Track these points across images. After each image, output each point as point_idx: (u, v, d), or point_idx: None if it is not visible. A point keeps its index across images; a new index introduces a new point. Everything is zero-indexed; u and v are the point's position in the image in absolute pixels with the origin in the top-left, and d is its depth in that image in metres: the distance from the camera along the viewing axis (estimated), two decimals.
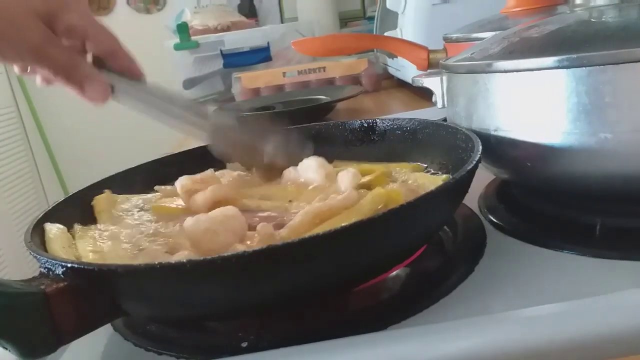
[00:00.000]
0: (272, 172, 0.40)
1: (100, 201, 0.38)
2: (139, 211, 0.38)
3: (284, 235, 0.28)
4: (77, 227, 0.35)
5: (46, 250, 0.30)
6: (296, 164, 0.39)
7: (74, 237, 0.33)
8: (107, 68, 0.39)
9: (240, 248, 0.28)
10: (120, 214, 0.37)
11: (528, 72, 0.31)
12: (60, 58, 0.36)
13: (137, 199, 0.39)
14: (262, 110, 0.93)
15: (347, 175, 0.34)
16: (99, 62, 0.39)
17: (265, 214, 0.34)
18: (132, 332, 0.30)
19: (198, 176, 0.37)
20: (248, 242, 0.29)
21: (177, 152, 0.47)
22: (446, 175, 0.37)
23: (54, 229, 0.32)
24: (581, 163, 0.31)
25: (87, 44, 0.38)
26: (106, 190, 0.39)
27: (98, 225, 0.36)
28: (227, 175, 0.40)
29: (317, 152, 0.45)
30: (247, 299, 0.25)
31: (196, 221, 0.29)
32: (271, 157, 0.40)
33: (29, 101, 2.00)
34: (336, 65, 1.11)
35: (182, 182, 0.37)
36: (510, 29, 0.41)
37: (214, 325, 0.30)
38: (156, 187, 0.41)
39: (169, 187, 0.40)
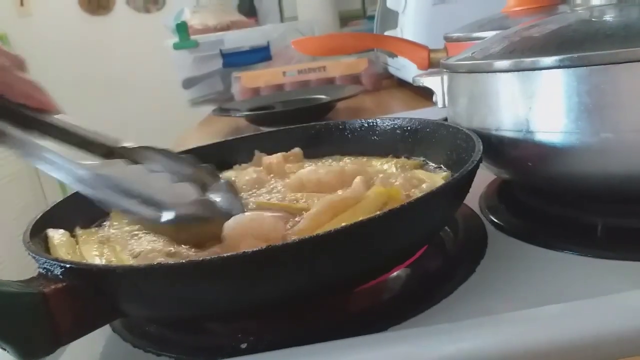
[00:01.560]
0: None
1: None
2: None
3: (303, 226, 0.29)
4: (80, 231, 0.35)
5: None
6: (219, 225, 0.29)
7: (77, 242, 0.33)
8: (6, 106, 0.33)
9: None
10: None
11: (529, 71, 0.31)
12: None
13: None
14: (261, 110, 0.92)
15: (362, 180, 0.34)
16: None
17: (275, 213, 0.33)
18: (131, 333, 0.30)
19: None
20: None
21: (176, 152, 0.47)
22: (446, 173, 0.36)
23: (57, 235, 0.32)
24: (582, 163, 0.31)
25: None
26: None
27: (101, 229, 0.36)
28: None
29: (317, 152, 0.45)
30: (247, 299, 0.25)
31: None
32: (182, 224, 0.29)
33: None
34: (336, 64, 1.11)
35: None
36: (510, 28, 0.41)
37: (214, 326, 0.30)
38: None
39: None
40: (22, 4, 2.14)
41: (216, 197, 0.31)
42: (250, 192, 0.38)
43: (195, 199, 0.30)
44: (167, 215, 0.29)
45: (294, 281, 0.25)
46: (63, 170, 0.31)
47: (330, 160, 0.44)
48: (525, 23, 0.40)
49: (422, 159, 0.40)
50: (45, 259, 0.25)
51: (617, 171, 0.30)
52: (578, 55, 0.29)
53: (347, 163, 0.42)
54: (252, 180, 0.39)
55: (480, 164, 0.31)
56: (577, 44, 0.31)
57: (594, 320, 0.23)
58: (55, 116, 0.34)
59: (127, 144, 0.33)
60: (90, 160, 0.31)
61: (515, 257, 0.31)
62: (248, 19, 1.55)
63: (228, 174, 0.44)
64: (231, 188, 0.32)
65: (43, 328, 0.23)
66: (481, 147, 0.32)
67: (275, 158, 0.43)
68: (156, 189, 0.30)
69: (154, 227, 0.31)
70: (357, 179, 0.33)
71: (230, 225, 0.29)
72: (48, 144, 0.32)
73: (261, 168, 0.42)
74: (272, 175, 0.41)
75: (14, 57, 0.35)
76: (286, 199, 0.35)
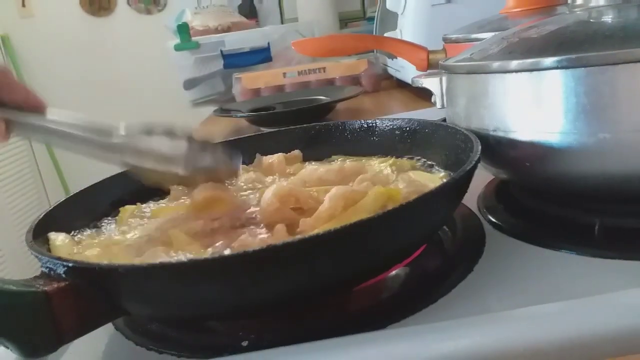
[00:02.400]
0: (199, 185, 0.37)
1: (127, 211, 0.38)
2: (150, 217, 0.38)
3: (323, 208, 0.30)
4: (82, 235, 0.35)
5: None
6: (225, 177, 0.37)
7: (80, 245, 0.33)
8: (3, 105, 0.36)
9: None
10: (133, 220, 0.37)
11: (527, 72, 0.31)
12: None
13: (153, 204, 0.40)
14: (262, 111, 0.93)
15: (367, 185, 0.34)
16: None
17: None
18: (133, 331, 0.30)
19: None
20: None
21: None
22: (445, 173, 0.37)
23: (59, 238, 0.32)
24: (580, 163, 0.31)
25: None
26: (132, 206, 0.40)
27: (103, 232, 0.36)
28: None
29: (317, 152, 0.46)
30: (247, 299, 0.25)
31: None
32: (194, 174, 0.36)
33: None
34: (336, 65, 1.11)
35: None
36: (509, 29, 0.41)
37: (215, 325, 0.30)
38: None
39: (180, 187, 0.41)
40: (23, 5, 2.15)
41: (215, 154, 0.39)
42: (252, 190, 0.38)
43: (206, 155, 0.37)
44: (186, 168, 0.36)
45: (294, 280, 0.25)
46: (88, 148, 0.36)
47: (331, 162, 0.44)
48: (524, 24, 0.40)
49: (421, 159, 0.41)
50: (48, 258, 0.25)
51: (615, 171, 0.30)
52: (576, 56, 0.29)
53: (347, 161, 0.43)
54: (251, 179, 0.40)
55: (479, 164, 0.31)
56: (575, 45, 0.31)
57: (592, 319, 0.23)
58: (50, 114, 0.37)
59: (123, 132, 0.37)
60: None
61: (513, 256, 0.31)
62: (249, 20, 1.55)
63: None
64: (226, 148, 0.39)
65: (46, 326, 0.24)
66: (479, 147, 0.32)
67: (277, 158, 0.43)
68: (175, 151, 0.37)
69: (173, 179, 0.37)
70: (366, 183, 0.33)
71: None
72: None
73: (261, 166, 0.43)
74: (274, 176, 0.41)
75: (3, 64, 0.38)
76: None
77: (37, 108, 0.36)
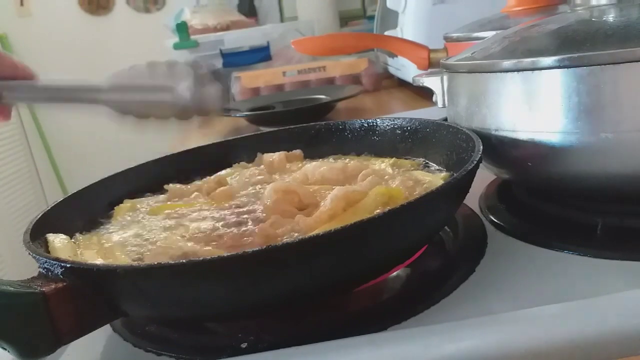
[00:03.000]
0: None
1: (122, 209, 0.38)
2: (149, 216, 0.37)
3: (324, 208, 0.30)
4: (80, 236, 0.34)
5: None
6: (209, 107, 0.37)
7: (78, 247, 0.33)
8: None
9: None
10: (130, 217, 0.37)
11: (529, 71, 0.31)
12: None
13: (152, 201, 0.39)
14: (261, 110, 0.92)
15: (370, 180, 0.34)
16: None
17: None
18: (132, 332, 0.30)
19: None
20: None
21: (176, 152, 0.47)
22: (446, 173, 0.37)
23: (58, 239, 0.32)
24: (582, 163, 0.31)
25: None
26: (129, 201, 0.39)
27: (101, 232, 0.36)
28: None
29: (317, 152, 0.45)
30: (247, 299, 0.25)
31: None
32: (182, 105, 0.37)
33: None
34: (336, 64, 1.11)
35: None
36: (511, 28, 0.41)
37: (214, 326, 0.30)
38: (166, 186, 0.41)
39: (178, 186, 0.40)
40: (22, 4, 2.14)
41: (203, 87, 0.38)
42: (256, 187, 0.38)
43: (191, 85, 0.37)
44: (176, 97, 0.36)
45: (294, 281, 0.25)
46: (78, 98, 0.37)
47: (332, 159, 0.44)
48: (525, 23, 0.40)
49: (422, 159, 0.40)
50: (45, 259, 0.25)
51: (617, 171, 0.30)
52: (578, 55, 0.29)
53: (350, 160, 0.42)
54: (255, 175, 0.40)
55: (480, 164, 0.31)
56: (577, 44, 0.31)
57: (594, 320, 0.23)
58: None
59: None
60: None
61: (514, 256, 0.31)
62: (248, 19, 1.55)
63: (227, 172, 0.44)
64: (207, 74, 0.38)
65: (43, 328, 0.23)
66: (481, 147, 0.32)
67: (277, 156, 0.43)
68: (160, 76, 0.37)
69: (164, 112, 0.37)
70: (370, 178, 0.33)
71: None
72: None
73: (262, 167, 0.43)
74: (275, 174, 0.41)
75: None
76: None
77: (26, 78, 0.37)
